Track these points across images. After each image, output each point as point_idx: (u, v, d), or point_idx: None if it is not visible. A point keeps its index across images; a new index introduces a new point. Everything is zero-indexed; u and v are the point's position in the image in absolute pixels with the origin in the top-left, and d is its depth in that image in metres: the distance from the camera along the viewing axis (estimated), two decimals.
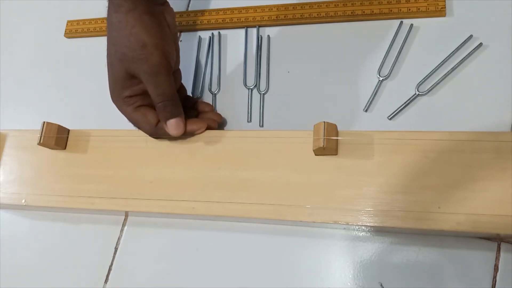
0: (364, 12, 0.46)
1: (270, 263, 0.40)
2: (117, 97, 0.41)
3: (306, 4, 0.48)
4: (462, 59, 0.41)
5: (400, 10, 0.45)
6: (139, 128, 0.42)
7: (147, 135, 0.42)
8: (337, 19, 0.47)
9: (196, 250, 0.42)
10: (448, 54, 0.42)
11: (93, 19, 0.56)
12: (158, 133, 0.41)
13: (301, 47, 0.47)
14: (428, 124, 0.40)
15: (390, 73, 0.43)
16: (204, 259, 0.42)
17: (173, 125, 0.40)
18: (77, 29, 0.57)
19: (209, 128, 0.42)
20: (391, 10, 0.45)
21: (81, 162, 0.44)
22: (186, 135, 0.41)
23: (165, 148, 0.42)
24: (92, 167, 0.44)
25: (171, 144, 0.42)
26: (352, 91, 0.44)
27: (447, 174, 0.35)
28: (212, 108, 0.46)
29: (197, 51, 0.51)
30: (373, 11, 0.45)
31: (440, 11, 0.43)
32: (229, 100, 0.47)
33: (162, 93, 0.39)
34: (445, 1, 0.44)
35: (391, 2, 0.45)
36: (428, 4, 0.44)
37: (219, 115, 0.45)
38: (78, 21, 0.57)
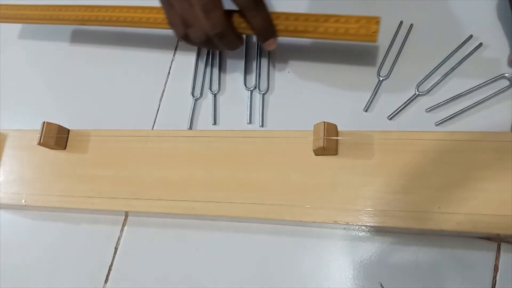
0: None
1: (270, 263, 0.40)
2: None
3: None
4: (462, 59, 0.41)
5: (327, 30, 0.39)
6: None
7: (147, 135, 0.42)
8: None
9: (196, 250, 0.42)
10: (448, 54, 0.42)
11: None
12: None
13: (301, 47, 0.47)
14: (428, 124, 0.40)
15: (390, 73, 0.43)
16: (204, 259, 0.42)
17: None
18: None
19: None
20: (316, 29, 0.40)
21: (81, 162, 0.44)
22: None
23: (165, 148, 0.42)
24: (92, 167, 0.44)
25: (171, 144, 0.42)
26: (352, 91, 0.44)
27: (447, 174, 0.35)
28: None
29: (197, 51, 0.51)
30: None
31: (371, 36, 0.38)
32: (229, 100, 0.47)
33: None
34: (378, 25, 0.38)
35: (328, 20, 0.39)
36: (359, 27, 0.38)
37: None
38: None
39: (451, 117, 0.40)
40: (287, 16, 0.41)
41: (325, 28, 0.39)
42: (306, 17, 0.40)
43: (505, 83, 0.40)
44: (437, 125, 0.40)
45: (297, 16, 0.40)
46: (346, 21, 0.38)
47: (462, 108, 0.40)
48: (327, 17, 0.39)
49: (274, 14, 0.41)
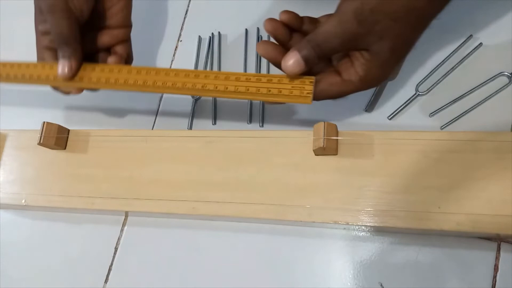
0: None
1: (270, 263, 0.40)
2: (35, 29, 0.42)
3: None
4: (462, 59, 0.41)
5: (259, 90, 0.36)
6: None
7: (147, 135, 0.42)
8: None
9: (196, 250, 0.42)
10: (448, 54, 0.42)
11: None
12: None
13: None
14: (428, 124, 0.40)
15: None
16: (204, 259, 0.42)
17: (60, 66, 0.40)
18: None
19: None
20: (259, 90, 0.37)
21: (81, 162, 0.44)
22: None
23: (165, 148, 0.42)
24: (92, 167, 0.44)
25: (171, 144, 0.42)
26: None
27: (447, 174, 0.35)
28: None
29: (197, 51, 0.51)
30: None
31: (305, 97, 0.35)
32: (229, 100, 0.47)
33: (56, 32, 0.39)
34: (312, 85, 0.35)
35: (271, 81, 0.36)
36: (292, 87, 0.36)
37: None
38: None
39: (455, 120, 0.40)
40: (207, 74, 0.38)
41: (257, 89, 0.36)
42: (236, 76, 0.37)
43: (504, 81, 0.40)
44: (442, 128, 0.40)
45: (216, 75, 0.38)
46: (279, 81, 0.36)
47: (465, 109, 0.40)
48: (259, 77, 0.37)
49: (185, 71, 0.38)
